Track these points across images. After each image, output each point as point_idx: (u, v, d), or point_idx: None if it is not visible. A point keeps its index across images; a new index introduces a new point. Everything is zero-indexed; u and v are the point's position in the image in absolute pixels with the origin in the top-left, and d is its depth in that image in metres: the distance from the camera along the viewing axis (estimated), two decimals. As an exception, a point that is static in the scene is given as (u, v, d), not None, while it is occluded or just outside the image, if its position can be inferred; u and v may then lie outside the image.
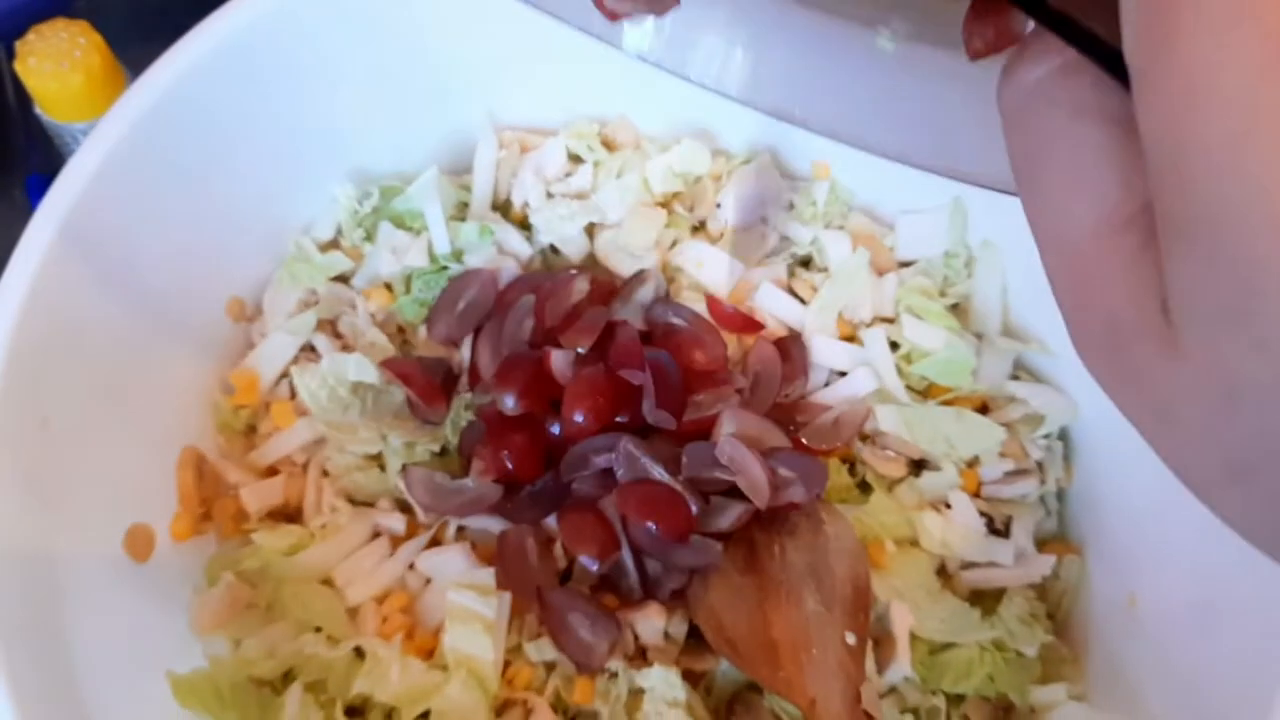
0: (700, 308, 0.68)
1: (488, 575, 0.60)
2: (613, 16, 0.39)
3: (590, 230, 0.72)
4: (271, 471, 0.66)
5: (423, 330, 0.69)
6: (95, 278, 0.56)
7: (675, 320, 0.68)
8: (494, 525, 0.64)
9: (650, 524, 0.59)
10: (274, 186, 0.67)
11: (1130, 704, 0.57)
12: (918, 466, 0.67)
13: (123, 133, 0.56)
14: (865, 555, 0.61)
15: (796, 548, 0.60)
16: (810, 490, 0.61)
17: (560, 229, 0.71)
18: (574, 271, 0.68)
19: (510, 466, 0.63)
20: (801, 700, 0.54)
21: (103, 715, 0.51)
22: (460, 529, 0.64)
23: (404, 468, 0.64)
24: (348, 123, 0.68)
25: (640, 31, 0.41)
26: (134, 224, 0.58)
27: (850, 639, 0.56)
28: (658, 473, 0.60)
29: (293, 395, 0.67)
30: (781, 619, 0.57)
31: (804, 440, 0.65)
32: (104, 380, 0.57)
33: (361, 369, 0.64)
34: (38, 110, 0.73)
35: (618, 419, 0.63)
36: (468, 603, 0.57)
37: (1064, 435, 0.68)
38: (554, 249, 0.73)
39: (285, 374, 0.67)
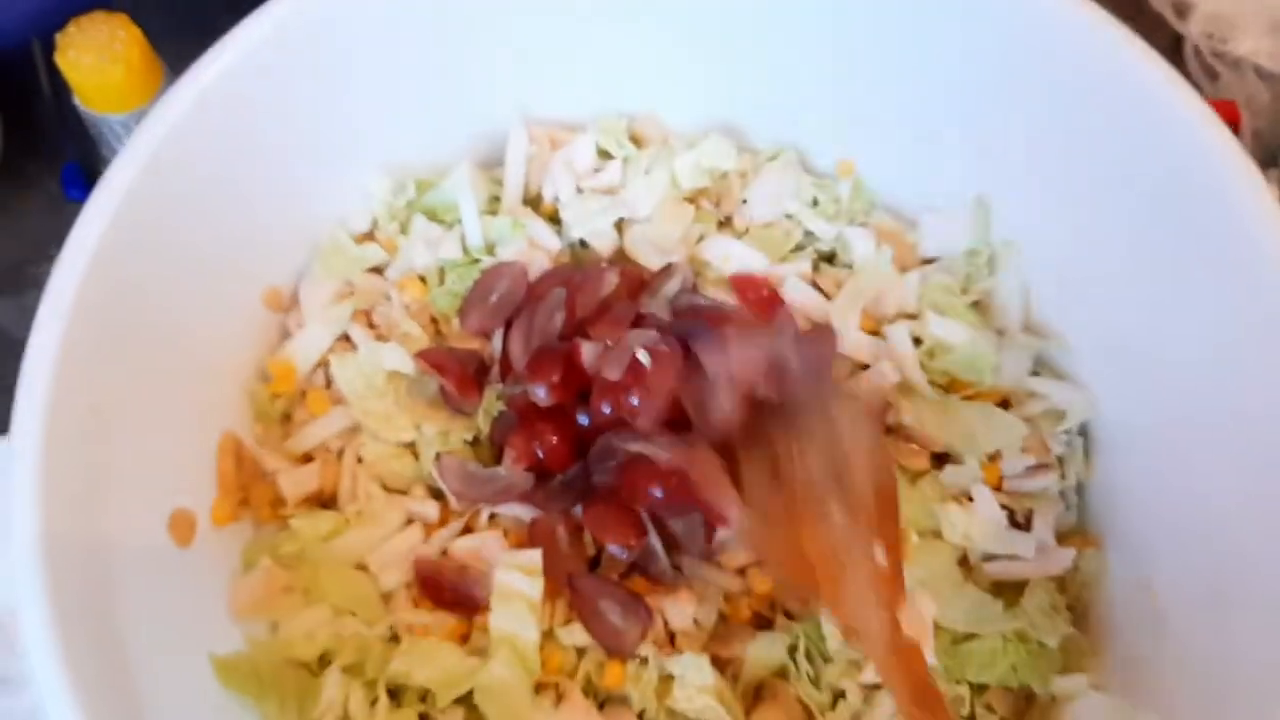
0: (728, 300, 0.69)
1: (533, 556, 0.61)
2: None
3: (619, 225, 0.74)
4: (307, 458, 0.67)
5: (456, 321, 0.70)
6: (142, 270, 0.57)
7: (702, 302, 0.69)
8: (525, 513, 0.65)
9: (655, 490, 0.60)
10: (310, 179, 0.68)
11: (1150, 694, 0.58)
12: (940, 460, 0.68)
13: (168, 129, 0.57)
14: (887, 452, 0.56)
15: (814, 450, 0.55)
16: (814, 365, 0.59)
17: (590, 223, 0.72)
18: (604, 265, 0.69)
19: (541, 456, 0.64)
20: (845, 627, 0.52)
21: (151, 696, 0.53)
22: (492, 517, 0.66)
23: (437, 456, 0.65)
24: (382, 117, 0.69)
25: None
26: (177, 217, 0.59)
27: (879, 554, 0.52)
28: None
29: (328, 384, 0.69)
30: (812, 536, 0.53)
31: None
32: (150, 369, 0.58)
33: (397, 359, 0.65)
34: (76, 101, 0.74)
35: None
36: (514, 582, 0.59)
37: (1084, 430, 0.69)
38: (583, 243, 0.74)
39: (321, 363, 0.69)
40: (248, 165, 0.63)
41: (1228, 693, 0.54)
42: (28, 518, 0.49)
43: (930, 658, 0.60)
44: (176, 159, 0.58)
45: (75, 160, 0.83)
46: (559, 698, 0.59)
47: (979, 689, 0.62)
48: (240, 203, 0.64)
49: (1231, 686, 0.54)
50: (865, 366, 0.70)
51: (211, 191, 0.61)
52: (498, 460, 0.66)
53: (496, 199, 0.74)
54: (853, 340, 0.70)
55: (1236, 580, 0.56)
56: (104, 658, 0.51)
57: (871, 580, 0.52)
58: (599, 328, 0.66)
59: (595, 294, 0.68)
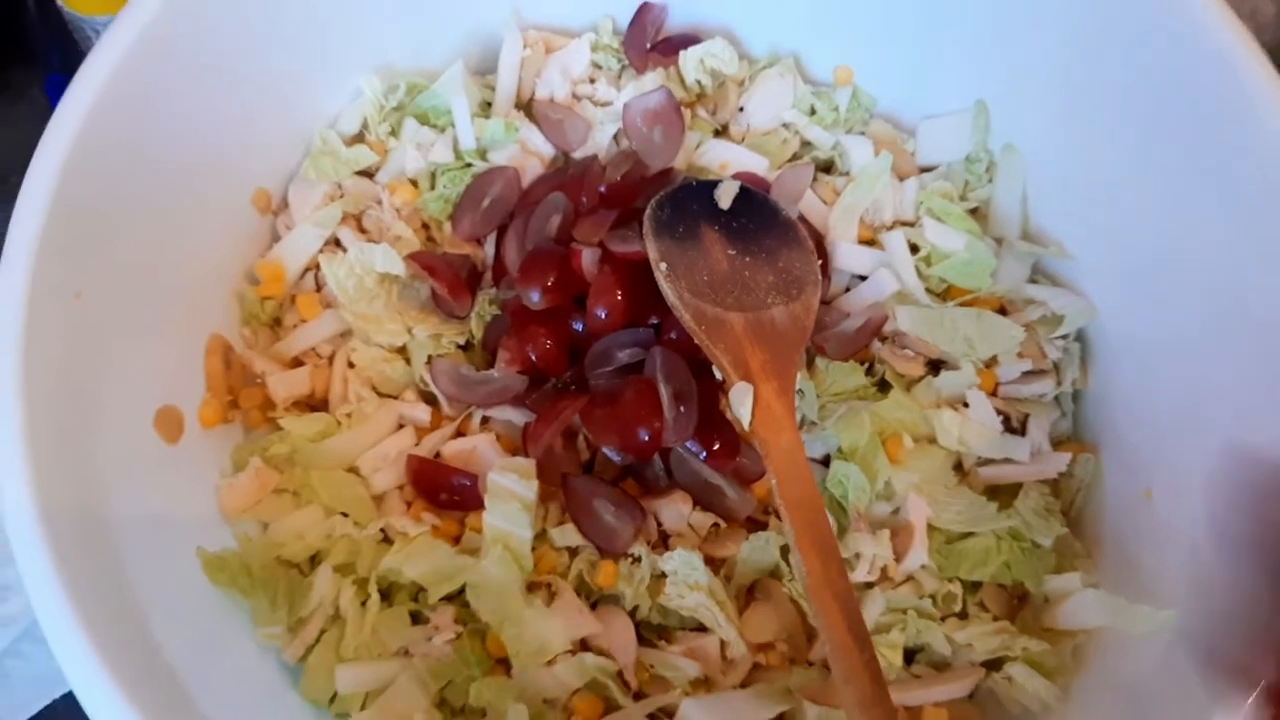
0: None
1: (527, 460, 0.61)
2: None
3: (618, 137, 0.73)
4: (297, 363, 0.66)
5: (447, 227, 0.69)
6: (125, 160, 0.55)
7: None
8: (518, 417, 0.65)
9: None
10: (300, 79, 0.67)
11: (1145, 594, 0.58)
12: (936, 367, 0.67)
13: (149, 19, 0.56)
14: (810, 313, 0.62)
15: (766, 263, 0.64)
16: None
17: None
18: (600, 161, 0.69)
19: (534, 358, 0.64)
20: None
21: (143, 592, 0.52)
22: (485, 421, 0.65)
23: (429, 359, 0.65)
24: (374, 17, 0.68)
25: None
26: (159, 112, 0.58)
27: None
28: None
29: (319, 288, 0.68)
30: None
31: (827, 350, 0.65)
32: (134, 261, 0.57)
33: (389, 260, 0.64)
34: (60, 3, 0.72)
35: (652, 321, 0.64)
36: (509, 484, 0.58)
37: (1081, 337, 0.68)
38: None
39: (310, 267, 0.68)
40: (235, 62, 0.62)
41: (1224, 587, 0.54)
42: (10, 403, 0.48)
43: (924, 557, 0.60)
44: (158, 52, 0.56)
45: (61, 70, 0.81)
46: (551, 596, 0.59)
47: (972, 587, 0.62)
48: (227, 101, 0.63)
49: (1228, 581, 0.54)
50: (863, 278, 0.70)
51: (196, 88, 0.60)
52: (490, 365, 0.65)
53: (489, 105, 0.73)
54: (851, 251, 0.69)
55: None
56: (93, 554, 0.50)
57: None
58: (581, 228, 0.65)
59: (598, 179, 0.68)
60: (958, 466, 0.65)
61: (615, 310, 0.63)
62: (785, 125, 0.75)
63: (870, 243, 0.71)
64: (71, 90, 0.53)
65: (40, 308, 0.49)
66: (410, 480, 0.62)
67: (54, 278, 0.50)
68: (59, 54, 0.80)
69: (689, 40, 0.74)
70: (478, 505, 0.60)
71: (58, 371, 0.51)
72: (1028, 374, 0.67)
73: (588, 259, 0.63)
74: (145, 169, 0.57)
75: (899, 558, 0.60)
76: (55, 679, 0.66)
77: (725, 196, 0.65)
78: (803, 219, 0.69)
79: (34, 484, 0.48)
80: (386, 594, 0.60)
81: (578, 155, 0.72)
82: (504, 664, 0.58)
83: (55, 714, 0.67)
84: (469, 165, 0.70)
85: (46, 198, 0.50)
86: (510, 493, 0.59)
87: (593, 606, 0.60)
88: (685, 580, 0.58)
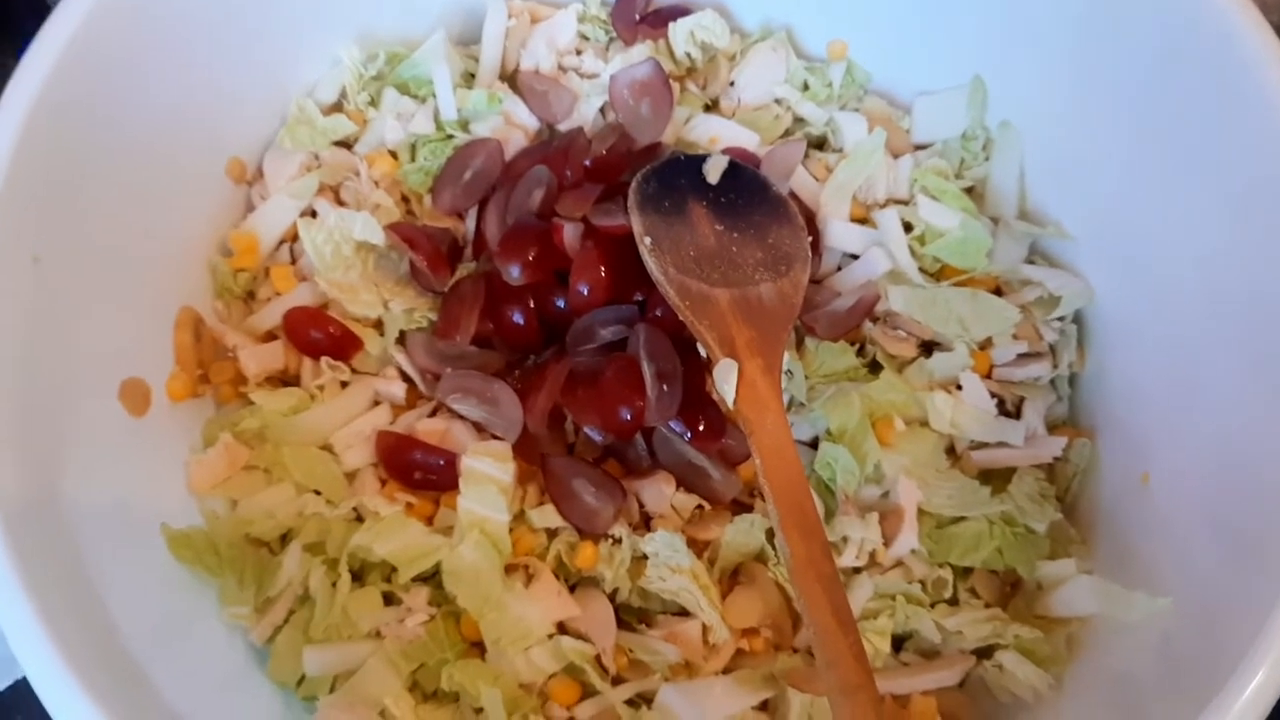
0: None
1: (503, 445, 0.59)
2: None
3: (604, 110, 0.71)
4: (270, 337, 0.64)
5: (428, 200, 0.67)
6: (89, 124, 0.54)
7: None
8: (482, 415, 0.62)
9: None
10: (276, 44, 0.65)
11: (1140, 581, 0.56)
12: (929, 348, 0.65)
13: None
14: (799, 290, 0.60)
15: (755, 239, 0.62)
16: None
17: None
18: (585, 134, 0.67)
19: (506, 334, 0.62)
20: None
21: (100, 567, 0.50)
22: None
23: (401, 334, 0.63)
24: (355, -17, 0.66)
25: None
26: (129, 72, 0.56)
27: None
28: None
29: (294, 260, 0.66)
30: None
31: (816, 330, 0.64)
32: (97, 228, 0.55)
33: (368, 228, 0.62)
34: (35, -35, 0.70)
35: (636, 298, 0.62)
36: (483, 468, 0.56)
37: (1078, 319, 0.66)
38: (560, 123, 0.71)
39: (286, 239, 0.66)
40: (207, 24, 0.60)
41: (1221, 575, 0.52)
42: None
43: (914, 541, 0.58)
44: (126, 10, 0.54)
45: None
46: (529, 578, 0.57)
47: (963, 573, 0.60)
48: (200, 65, 0.61)
49: (1226, 569, 0.52)
50: (855, 257, 0.68)
51: (167, 51, 0.58)
52: (448, 334, 0.63)
53: (472, 76, 0.71)
54: (843, 229, 0.67)
55: (1235, 462, 0.54)
56: (48, 529, 0.48)
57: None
58: (564, 202, 0.63)
59: (584, 152, 0.66)
60: (950, 450, 0.63)
61: (598, 286, 0.61)
62: (777, 100, 0.73)
63: (863, 221, 0.69)
64: (33, 48, 0.52)
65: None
66: (380, 458, 0.60)
67: (10, 240, 0.49)
68: (34, 19, 0.77)
69: (679, 12, 0.72)
70: (452, 486, 0.58)
71: (13, 337, 0.49)
72: (1023, 356, 0.65)
73: (570, 233, 0.61)
74: (111, 134, 0.55)
75: (888, 542, 0.58)
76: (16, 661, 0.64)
77: (714, 171, 0.63)
78: (794, 196, 0.68)
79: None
80: (358, 574, 0.58)
81: (563, 128, 0.70)
82: (478, 647, 0.57)
83: (20, 696, 0.65)
84: (450, 137, 0.68)
85: (3, 161, 0.48)
86: (486, 476, 0.57)
87: (571, 589, 0.58)
88: (667, 563, 0.57)
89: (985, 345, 0.65)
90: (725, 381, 0.55)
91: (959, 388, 0.63)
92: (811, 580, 0.49)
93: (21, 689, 0.65)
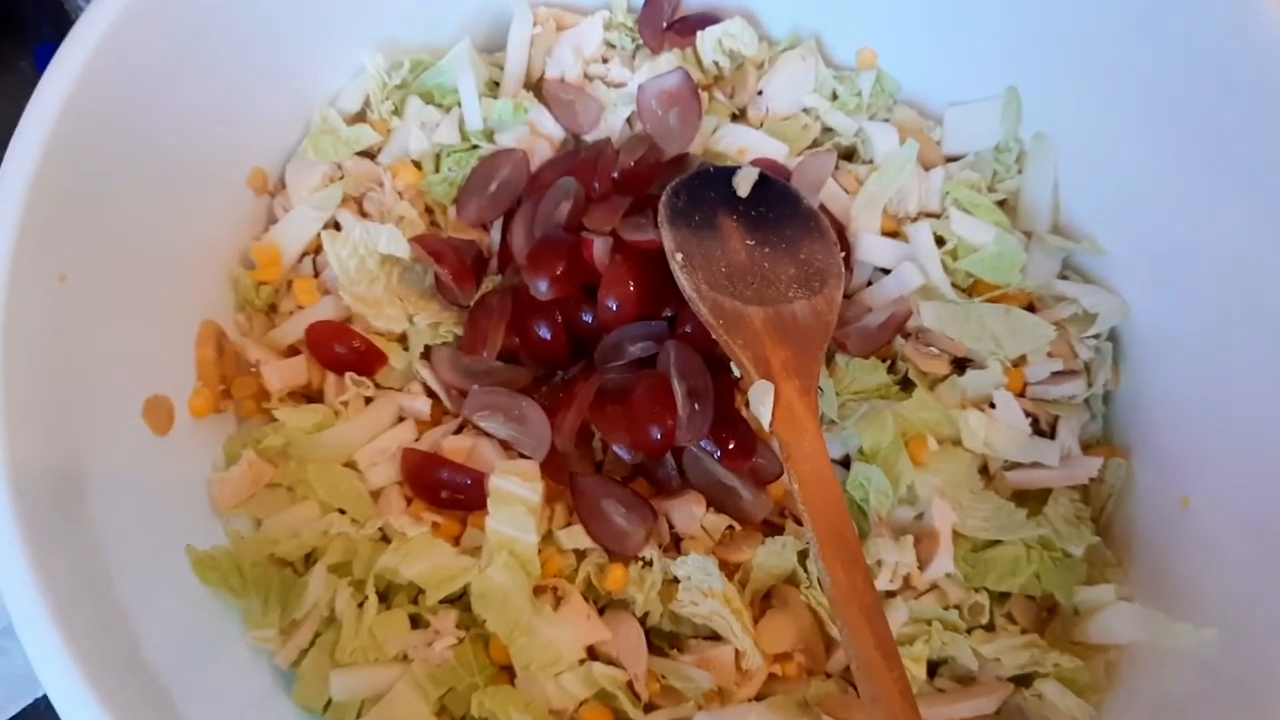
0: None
1: (530, 463, 0.58)
2: None
3: (631, 120, 0.70)
4: (293, 351, 0.63)
5: (452, 211, 0.66)
6: (112, 136, 0.53)
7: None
8: (509, 433, 0.61)
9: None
10: (300, 53, 0.64)
11: (1178, 606, 0.55)
12: (961, 366, 0.64)
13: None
14: (833, 307, 0.59)
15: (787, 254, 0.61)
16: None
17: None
18: (613, 145, 0.66)
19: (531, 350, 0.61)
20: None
21: (123, 588, 0.49)
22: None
23: (426, 349, 0.62)
24: (378, -10, 0.65)
25: None
26: (150, 86, 0.55)
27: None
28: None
29: (316, 273, 0.65)
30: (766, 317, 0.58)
31: (847, 347, 0.62)
32: (121, 243, 0.54)
33: (393, 241, 0.61)
34: (49, -31, 0.69)
35: (666, 314, 0.61)
36: (512, 487, 0.55)
37: (1113, 336, 0.65)
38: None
39: (309, 251, 0.65)
40: (230, 33, 0.59)
41: (1263, 601, 0.51)
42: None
43: (949, 565, 0.57)
44: (148, 20, 0.53)
45: (49, 40, 0.78)
46: (557, 600, 0.56)
47: (1000, 598, 0.59)
48: (222, 75, 0.59)
49: (1268, 595, 0.51)
50: (886, 271, 0.67)
51: (189, 60, 0.57)
52: (474, 350, 0.62)
53: (497, 84, 0.70)
54: (874, 243, 0.66)
55: (1276, 488, 0.53)
56: (72, 549, 0.47)
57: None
58: (592, 215, 0.62)
59: (606, 180, 0.65)
60: (983, 470, 0.62)
61: (627, 302, 0.60)
62: (806, 110, 0.71)
63: (894, 234, 0.68)
64: (56, 61, 0.50)
65: (21, 291, 0.46)
66: (406, 477, 0.59)
67: (37, 259, 0.48)
68: (49, 24, 0.77)
69: (707, 20, 0.71)
70: (480, 505, 0.57)
71: (40, 357, 0.48)
72: (1057, 374, 0.64)
73: (599, 248, 0.60)
74: (134, 146, 0.54)
75: (923, 565, 0.57)
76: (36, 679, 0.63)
77: (744, 184, 0.62)
78: (824, 209, 0.66)
79: (11, 475, 0.45)
80: (384, 595, 0.57)
81: (589, 138, 0.69)
82: (508, 671, 0.55)
83: (39, 714, 0.64)
84: (475, 147, 0.67)
85: (28, 175, 0.47)
86: (514, 496, 0.56)
87: (600, 612, 0.57)
88: (699, 586, 0.56)
89: (1019, 363, 0.64)
90: (761, 404, 0.54)
91: (992, 406, 0.62)
92: (855, 611, 0.48)
93: (42, 707, 0.64)
